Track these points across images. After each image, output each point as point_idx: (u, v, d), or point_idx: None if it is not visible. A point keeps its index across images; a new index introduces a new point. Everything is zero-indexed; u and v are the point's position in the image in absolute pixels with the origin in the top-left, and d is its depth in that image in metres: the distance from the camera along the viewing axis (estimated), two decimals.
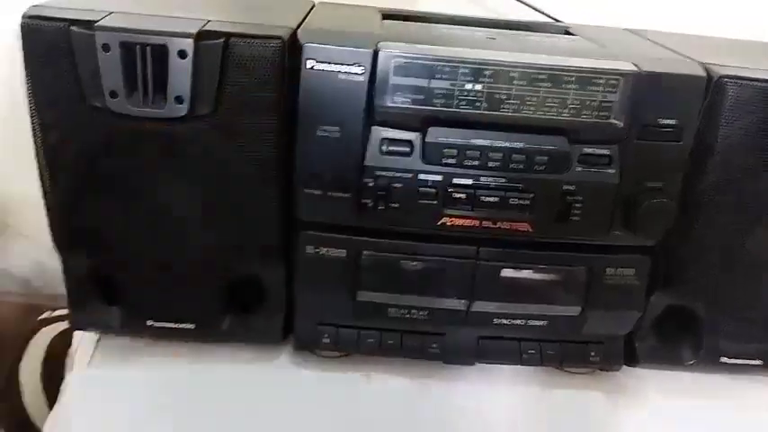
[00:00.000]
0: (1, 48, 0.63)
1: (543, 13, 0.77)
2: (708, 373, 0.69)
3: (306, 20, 0.59)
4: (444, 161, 0.55)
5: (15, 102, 0.59)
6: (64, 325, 0.84)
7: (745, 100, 0.54)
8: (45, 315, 0.85)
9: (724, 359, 0.67)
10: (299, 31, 0.54)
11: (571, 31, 0.68)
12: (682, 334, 0.67)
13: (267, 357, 0.69)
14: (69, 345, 0.78)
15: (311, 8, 0.65)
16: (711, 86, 0.54)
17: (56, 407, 0.68)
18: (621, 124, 0.53)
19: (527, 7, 0.77)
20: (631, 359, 0.67)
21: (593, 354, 0.66)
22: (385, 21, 0.64)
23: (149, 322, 0.64)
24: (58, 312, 0.86)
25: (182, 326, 0.64)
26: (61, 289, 0.65)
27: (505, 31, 0.66)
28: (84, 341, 0.70)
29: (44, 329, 0.83)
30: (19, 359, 0.79)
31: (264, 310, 0.66)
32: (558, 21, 0.77)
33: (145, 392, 0.65)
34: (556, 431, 0.67)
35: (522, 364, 0.67)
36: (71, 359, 0.76)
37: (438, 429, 0.65)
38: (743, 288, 0.62)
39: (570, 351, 0.66)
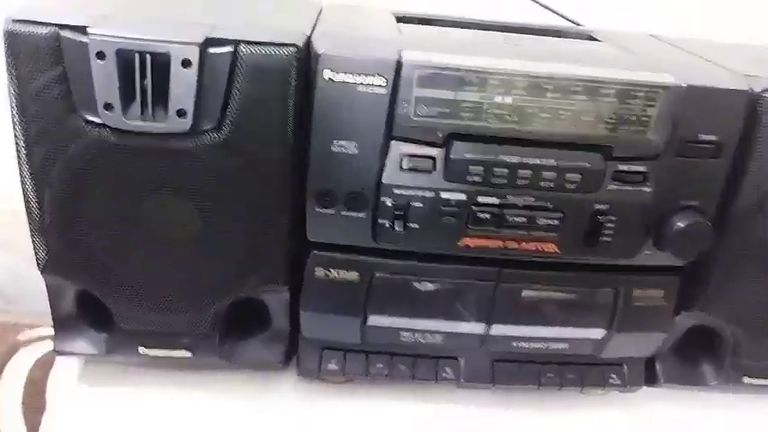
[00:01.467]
0: None
1: (563, 16, 0.73)
2: (730, 393, 0.66)
3: (317, 24, 0.54)
4: (469, 179, 0.51)
5: None
6: (47, 345, 0.78)
7: None
8: (25, 335, 0.79)
9: (747, 379, 0.64)
10: (313, 36, 0.50)
11: (595, 36, 0.64)
12: (703, 353, 0.65)
13: (267, 383, 0.65)
14: (51, 368, 0.73)
15: (319, 12, 0.60)
16: (752, 100, 0.51)
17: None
18: (660, 140, 0.50)
19: (542, 9, 0.73)
20: (652, 380, 0.65)
21: (613, 376, 0.63)
22: (400, 24, 0.59)
23: (141, 349, 0.59)
24: (39, 332, 0.80)
25: (176, 353, 0.60)
26: (41, 304, 0.60)
27: (527, 36, 0.62)
28: (68, 364, 0.65)
29: (24, 350, 0.77)
30: None
31: (267, 334, 0.61)
32: (577, 24, 0.73)
33: (137, 418, 0.60)
34: None
35: (540, 386, 0.63)
36: (54, 383, 0.71)
37: None
38: None
39: (590, 374, 0.63)
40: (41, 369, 0.75)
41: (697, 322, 0.62)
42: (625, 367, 0.63)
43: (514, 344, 0.60)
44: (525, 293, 0.58)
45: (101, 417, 0.61)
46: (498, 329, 0.59)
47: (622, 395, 0.67)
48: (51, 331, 0.60)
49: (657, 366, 0.64)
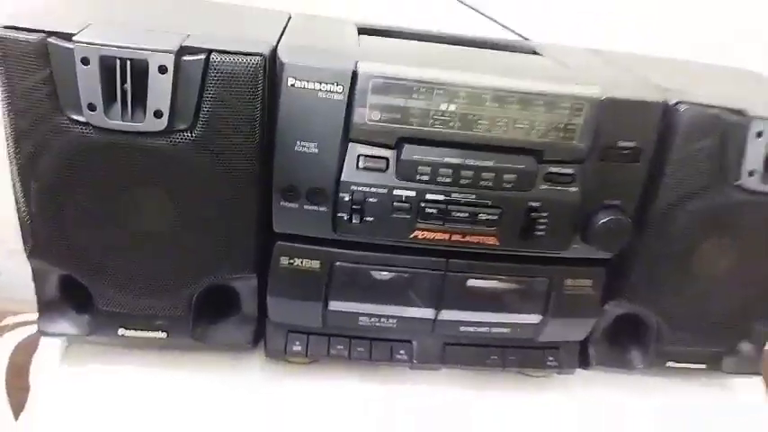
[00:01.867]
0: None
1: (512, 30, 0.79)
2: (655, 376, 0.74)
3: (284, 34, 0.60)
4: (418, 178, 0.57)
5: None
6: (27, 330, 0.83)
7: (698, 124, 0.58)
8: (6, 321, 0.84)
9: (670, 363, 0.71)
10: (279, 47, 0.55)
11: (538, 51, 0.71)
12: (632, 339, 0.72)
13: (237, 363, 0.70)
14: (34, 351, 0.77)
15: (288, 20, 0.66)
16: (667, 111, 0.58)
17: (23, 414, 0.67)
18: (584, 146, 0.57)
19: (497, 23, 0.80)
20: (585, 363, 0.72)
21: (551, 358, 0.70)
22: (361, 36, 0.65)
23: (120, 331, 0.64)
24: (19, 318, 0.84)
25: (153, 334, 0.65)
26: (19, 292, 0.64)
27: (477, 49, 0.69)
28: (50, 346, 0.69)
29: (5, 335, 0.81)
30: None
31: (237, 317, 0.67)
32: (525, 38, 0.80)
33: (117, 395, 0.65)
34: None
35: (486, 367, 0.70)
36: (37, 366, 0.75)
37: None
38: (690, 299, 0.66)
39: (530, 356, 0.70)
40: (24, 351, 0.79)
41: (624, 311, 0.68)
42: (561, 351, 0.70)
43: (461, 328, 0.67)
44: (470, 282, 0.64)
45: (82, 395, 0.65)
46: (447, 315, 0.65)
47: (562, 379, 0.74)
48: (33, 317, 0.65)
49: (590, 351, 0.71)
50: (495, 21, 0.80)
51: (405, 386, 0.71)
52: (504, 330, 0.67)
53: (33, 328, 0.65)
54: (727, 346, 0.72)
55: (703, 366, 0.72)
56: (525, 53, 0.70)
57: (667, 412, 0.73)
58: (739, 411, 0.75)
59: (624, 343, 0.72)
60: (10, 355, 0.79)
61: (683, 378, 0.76)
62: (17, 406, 0.76)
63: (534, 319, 0.66)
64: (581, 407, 0.72)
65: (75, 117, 0.52)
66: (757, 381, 0.77)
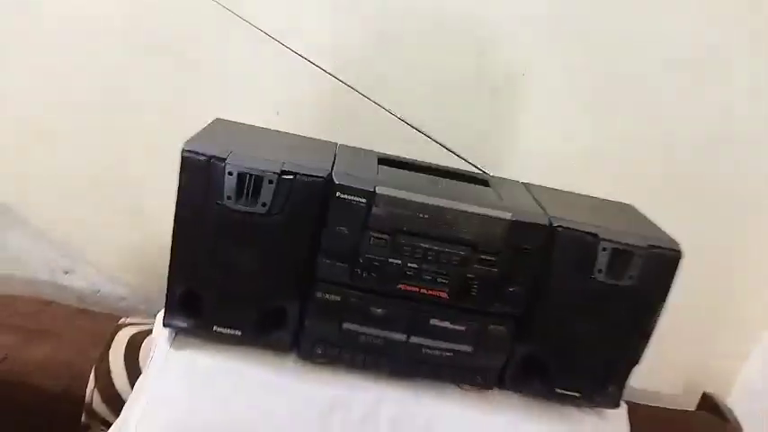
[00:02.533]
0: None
1: (476, 166, 1.24)
2: (547, 399, 1.12)
3: (335, 162, 1.04)
4: (404, 254, 0.99)
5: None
6: (135, 329, 1.23)
7: (568, 240, 1.00)
8: (121, 321, 1.25)
9: (559, 390, 1.10)
10: (333, 172, 0.98)
11: (489, 182, 1.14)
12: (534, 371, 1.10)
13: (280, 360, 1.10)
14: (141, 341, 1.18)
15: (336, 150, 1.10)
16: (552, 230, 1.00)
17: (138, 380, 1.07)
18: (501, 244, 0.98)
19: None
20: (502, 384, 1.10)
21: (478, 377, 1.09)
22: (380, 165, 1.09)
23: (215, 328, 1.05)
24: (130, 320, 1.25)
25: (233, 332, 1.05)
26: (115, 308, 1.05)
27: (446, 179, 1.12)
28: (162, 335, 1.10)
29: (123, 329, 1.22)
30: (108, 348, 1.18)
31: (284, 329, 1.07)
32: (483, 171, 1.24)
33: (205, 371, 1.05)
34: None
35: (437, 380, 1.09)
36: (144, 351, 1.16)
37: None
38: (570, 345, 1.06)
39: (465, 375, 1.09)
40: (135, 341, 1.20)
41: (527, 350, 1.08)
42: (486, 374, 1.09)
43: (423, 350, 1.06)
44: (432, 321, 1.05)
45: (181, 369, 1.05)
46: (415, 339, 1.05)
47: (485, 394, 1.12)
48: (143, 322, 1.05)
49: (506, 376, 1.10)
50: (465, 159, 1.24)
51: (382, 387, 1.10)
52: (450, 354, 1.06)
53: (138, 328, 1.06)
54: (598, 385, 1.10)
55: (578, 395, 1.10)
56: (478, 183, 1.13)
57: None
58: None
59: (532, 372, 1.11)
60: (126, 341, 1.19)
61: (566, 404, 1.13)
62: (132, 377, 1.15)
63: (469, 348, 1.06)
64: (496, 408, 1.10)
65: (219, 202, 0.95)
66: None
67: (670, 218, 1.07)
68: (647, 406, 1.43)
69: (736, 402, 1.56)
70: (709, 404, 1.54)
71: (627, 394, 1.12)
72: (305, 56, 1.25)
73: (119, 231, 1.40)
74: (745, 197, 1.44)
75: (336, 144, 1.15)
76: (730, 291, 1.52)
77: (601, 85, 1.36)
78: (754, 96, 1.36)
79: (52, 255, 1.40)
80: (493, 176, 1.20)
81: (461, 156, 1.25)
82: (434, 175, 1.13)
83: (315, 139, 1.17)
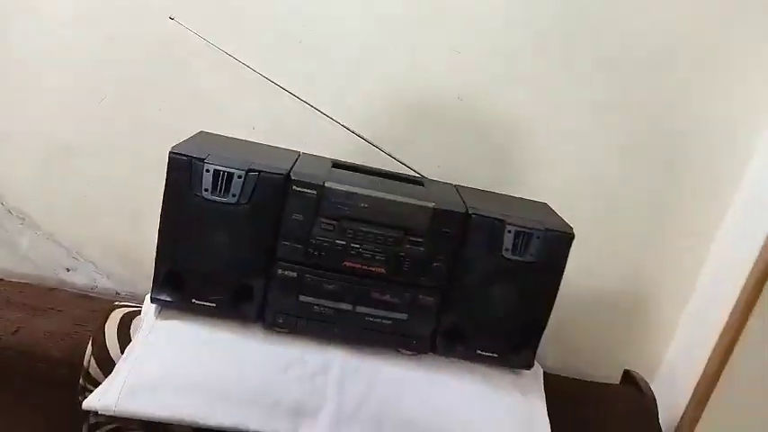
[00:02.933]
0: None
1: (413, 169, 1.49)
2: (471, 361, 1.34)
3: (295, 164, 1.28)
4: (348, 236, 1.22)
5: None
6: (127, 309, 1.45)
7: (480, 224, 1.24)
8: (116, 303, 1.47)
9: (479, 352, 1.33)
10: (291, 171, 1.22)
11: (423, 183, 1.39)
12: (458, 337, 1.33)
13: (248, 328, 1.31)
14: (132, 319, 1.40)
15: (297, 157, 1.34)
16: (467, 216, 1.24)
17: (128, 346, 1.29)
18: (426, 228, 1.22)
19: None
20: (434, 349, 1.33)
21: (414, 342, 1.32)
22: (334, 168, 1.33)
23: (193, 300, 1.27)
24: (123, 303, 1.47)
25: (209, 304, 1.27)
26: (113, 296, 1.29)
27: (387, 179, 1.36)
28: (150, 309, 1.31)
29: (116, 310, 1.44)
30: (104, 323, 1.39)
31: (251, 303, 1.29)
32: (422, 176, 1.49)
33: (187, 337, 1.26)
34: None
35: (379, 345, 1.32)
36: (134, 326, 1.37)
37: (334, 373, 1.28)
38: (484, 313, 1.29)
39: (402, 340, 1.32)
40: (126, 318, 1.41)
41: (452, 320, 1.31)
42: (421, 340, 1.32)
43: (366, 318, 1.29)
44: (373, 293, 1.28)
45: (166, 337, 1.27)
46: (360, 309, 1.28)
47: (420, 358, 1.34)
48: (134, 305, 1.28)
49: (437, 342, 1.33)
50: (408, 166, 1.49)
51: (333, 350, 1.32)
52: (389, 322, 1.29)
53: (130, 309, 1.29)
54: (512, 348, 1.33)
55: (496, 356, 1.33)
56: (414, 183, 1.38)
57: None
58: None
59: (457, 340, 1.34)
60: (120, 318, 1.41)
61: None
62: (123, 345, 1.37)
63: (403, 316, 1.29)
64: (429, 370, 1.33)
65: (197, 194, 1.19)
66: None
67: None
68: (572, 378, 1.66)
69: (658, 384, 1.78)
70: (629, 380, 1.76)
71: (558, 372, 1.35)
72: (286, 88, 1.50)
73: (118, 236, 1.63)
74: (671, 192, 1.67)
75: (300, 152, 1.39)
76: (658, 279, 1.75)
77: None
78: None
79: (57, 255, 1.63)
80: (427, 178, 1.45)
81: (404, 162, 1.50)
82: (377, 176, 1.37)
83: (282, 148, 1.41)
